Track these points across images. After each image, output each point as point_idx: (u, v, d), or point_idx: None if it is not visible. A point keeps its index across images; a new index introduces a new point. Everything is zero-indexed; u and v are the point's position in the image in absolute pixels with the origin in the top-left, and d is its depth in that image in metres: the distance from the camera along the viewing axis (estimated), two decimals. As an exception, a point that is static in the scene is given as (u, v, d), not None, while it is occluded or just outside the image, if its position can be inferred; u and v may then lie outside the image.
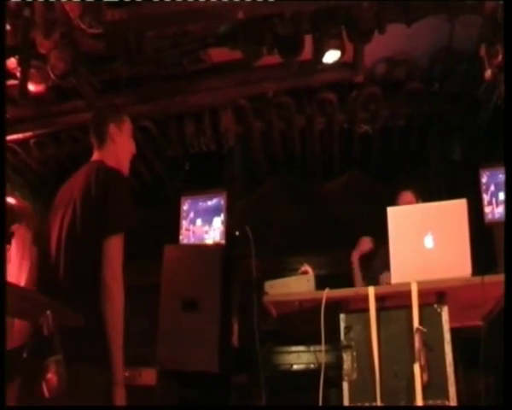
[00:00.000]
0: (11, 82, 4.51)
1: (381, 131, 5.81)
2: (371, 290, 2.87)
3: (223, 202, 5.09)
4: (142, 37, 4.51)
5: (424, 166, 5.86)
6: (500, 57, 4.07)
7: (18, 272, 2.61)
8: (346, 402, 2.81)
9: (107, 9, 3.98)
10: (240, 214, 5.56)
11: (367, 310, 2.85)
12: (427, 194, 4.32)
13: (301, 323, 3.33)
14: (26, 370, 2.06)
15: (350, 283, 3.98)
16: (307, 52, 4.45)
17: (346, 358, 2.85)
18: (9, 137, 5.33)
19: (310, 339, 3.65)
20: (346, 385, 2.83)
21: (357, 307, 2.92)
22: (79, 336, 2.09)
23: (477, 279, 2.77)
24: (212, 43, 4.73)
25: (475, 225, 3.16)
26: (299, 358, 4.73)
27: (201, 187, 5.31)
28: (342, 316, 2.93)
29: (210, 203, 5.13)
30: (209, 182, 5.49)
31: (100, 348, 2.20)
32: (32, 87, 4.60)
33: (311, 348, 3.84)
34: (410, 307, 2.77)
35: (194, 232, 5.11)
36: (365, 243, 4.03)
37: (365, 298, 2.86)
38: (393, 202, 3.80)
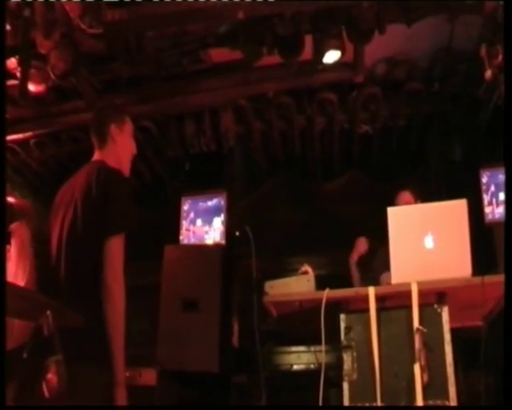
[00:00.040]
0: (11, 82, 4.51)
1: (382, 131, 5.81)
2: (371, 291, 2.87)
3: (223, 203, 5.10)
4: (142, 37, 4.51)
5: (424, 166, 5.86)
6: (500, 57, 4.07)
7: (15, 271, 2.61)
8: (346, 402, 2.80)
9: (108, 9, 3.98)
10: (240, 214, 5.56)
11: (367, 310, 2.85)
12: (428, 194, 4.33)
13: (301, 323, 3.33)
14: (26, 370, 2.06)
15: (350, 283, 3.98)
16: (307, 52, 4.45)
17: (347, 358, 2.85)
18: (9, 138, 5.33)
19: (310, 339, 3.66)
20: (346, 385, 2.82)
21: (358, 308, 2.91)
22: (80, 337, 2.09)
23: (477, 279, 2.77)
24: (213, 43, 4.73)
25: (475, 225, 3.16)
26: (299, 358, 4.74)
27: (201, 187, 5.31)
28: (342, 316, 2.93)
29: (210, 203, 5.14)
30: (209, 182, 5.50)
31: (100, 348, 2.20)
32: (32, 87, 4.60)
33: (312, 349, 3.84)
34: (410, 307, 2.77)
35: (194, 232, 5.11)
36: (361, 244, 4.03)
37: (365, 298, 2.86)
38: (393, 202, 3.80)
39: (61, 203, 2.49)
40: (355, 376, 2.82)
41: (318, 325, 2.87)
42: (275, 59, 4.61)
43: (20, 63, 4.36)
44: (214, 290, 4.28)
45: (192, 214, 5.15)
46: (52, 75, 4.43)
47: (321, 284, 3.11)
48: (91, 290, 2.26)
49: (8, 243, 2.64)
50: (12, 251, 2.61)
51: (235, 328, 4.82)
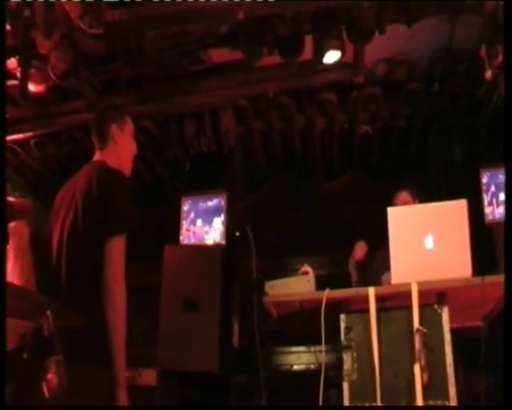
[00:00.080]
0: (11, 82, 4.51)
1: (382, 131, 5.81)
2: (371, 291, 2.87)
3: (223, 203, 5.09)
4: (142, 37, 4.51)
5: (424, 166, 5.86)
6: (500, 58, 4.07)
7: (12, 269, 2.60)
8: (346, 403, 2.80)
9: (108, 10, 3.99)
10: (240, 215, 5.57)
11: (367, 310, 2.85)
12: (428, 194, 4.33)
13: (301, 323, 3.33)
14: (26, 370, 2.06)
15: (350, 283, 3.98)
16: (308, 52, 4.45)
17: (347, 358, 2.84)
18: (10, 138, 5.33)
19: (310, 339, 3.66)
20: (346, 386, 2.82)
21: (358, 308, 2.91)
22: (80, 337, 2.09)
23: (477, 280, 2.77)
24: (213, 43, 4.73)
25: (476, 225, 3.16)
26: (299, 358, 4.74)
27: (202, 187, 5.31)
28: (342, 316, 2.93)
29: (210, 204, 5.13)
30: (209, 182, 5.50)
31: (100, 348, 2.20)
32: (32, 87, 4.61)
33: (312, 349, 3.84)
34: (410, 307, 2.77)
35: (194, 233, 5.11)
36: (360, 249, 4.00)
37: (365, 298, 2.86)
38: (391, 202, 3.80)
39: (62, 204, 2.49)
40: (355, 376, 2.82)
41: (318, 326, 2.86)
42: (275, 59, 4.61)
43: (20, 63, 4.36)
44: (214, 291, 4.28)
45: (192, 215, 5.15)
46: (52, 75, 4.43)
47: (321, 284, 3.10)
48: (92, 291, 2.25)
49: (8, 242, 2.63)
50: (9, 249, 2.61)
51: (236, 328, 4.82)
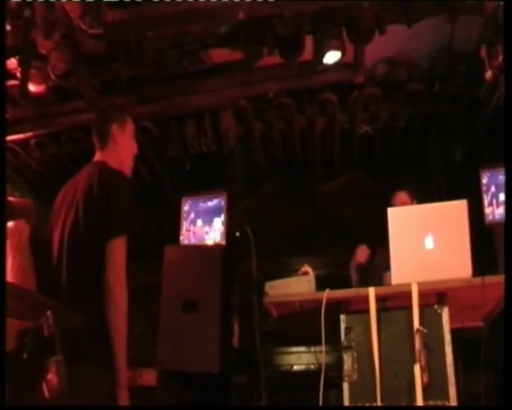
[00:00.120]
0: (11, 82, 4.51)
1: (382, 131, 5.81)
2: (371, 291, 2.87)
3: (223, 203, 5.09)
4: (142, 37, 4.51)
5: (425, 166, 5.86)
6: (500, 58, 4.07)
7: (10, 268, 2.60)
8: (346, 403, 2.80)
9: (108, 10, 3.98)
10: (240, 215, 5.57)
11: (367, 311, 2.85)
12: (428, 194, 4.33)
13: (302, 324, 3.33)
14: (26, 370, 2.06)
15: (350, 284, 3.98)
16: (308, 53, 4.45)
17: (347, 359, 2.85)
18: (10, 138, 5.33)
19: (310, 340, 3.66)
20: (346, 386, 2.82)
21: (358, 308, 2.91)
22: (81, 337, 2.09)
23: (477, 280, 2.77)
24: (213, 43, 4.73)
25: (476, 225, 3.16)
26: (299, 359, 4.74)
27: (202, 188, 5.31)
28: (343, 317, 2.93)
29: (210, 204, 5.13)
30: (209, 182, 5.50)
31: (101, 348, 2.20)
32: (32, 88, 4.60)
33: (312, 349, 3.85)
34: (410, 307, 2.77)
35: (194, 233, 5.11)
36: (362, 253, 3.99)
37: (366, 299, 2.86)
38: (389, 203, 3.79)
39: (63, 204, 2.49)
40: (355, 376, 2.82)
41: (318, 326, 2.86)
42: (275, 59, 4.61)
43: (20, 63, 4.36)
44: (214, 291, 4.28)
45: (192, 215, 5.15)
46: (52, 75, 4.43)
47: (321, 284, 3.10)
48: (93, 291, 2.25)
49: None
50: (8, 248, 2.60)
51: (236, 328, 4.82)
